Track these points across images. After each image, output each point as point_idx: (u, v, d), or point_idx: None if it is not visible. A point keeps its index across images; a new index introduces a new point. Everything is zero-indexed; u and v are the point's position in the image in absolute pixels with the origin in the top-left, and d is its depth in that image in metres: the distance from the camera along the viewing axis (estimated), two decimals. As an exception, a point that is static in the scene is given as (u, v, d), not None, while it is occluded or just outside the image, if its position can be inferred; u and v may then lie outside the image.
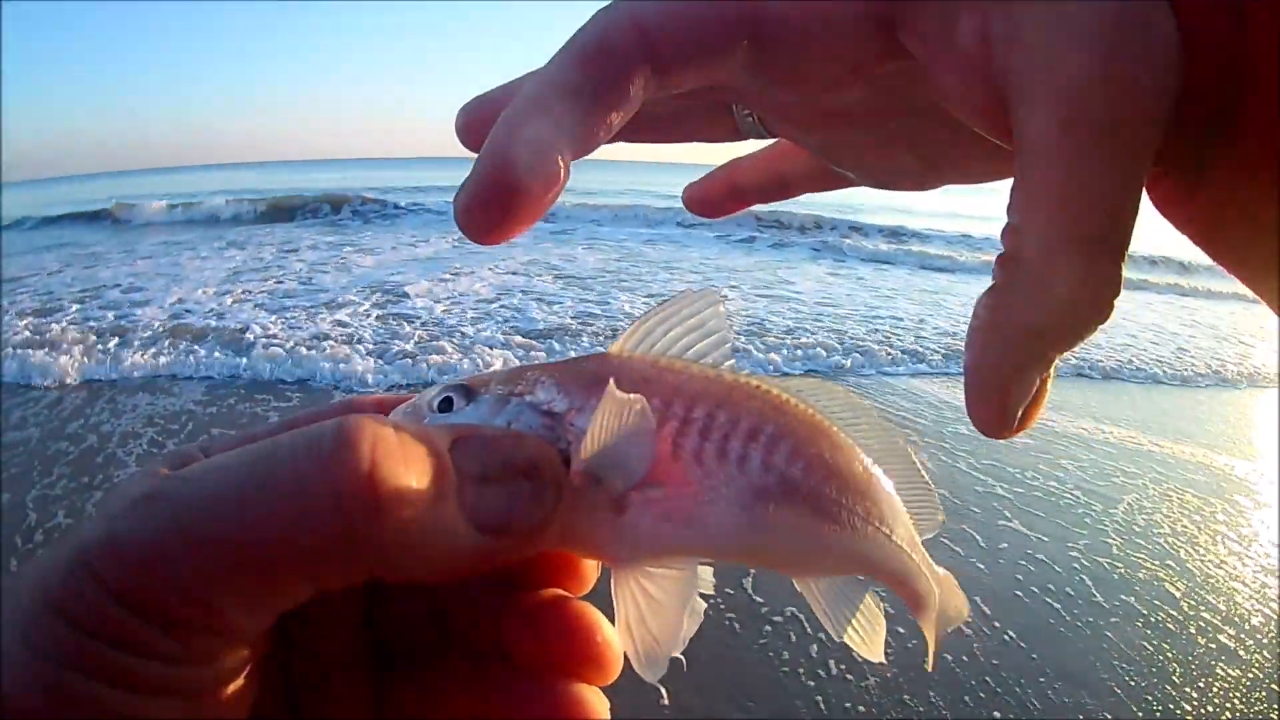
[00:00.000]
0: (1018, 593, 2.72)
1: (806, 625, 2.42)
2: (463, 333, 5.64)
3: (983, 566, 2.87)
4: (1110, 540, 3.15)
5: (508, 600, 0.32)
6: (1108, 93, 0.24)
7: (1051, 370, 0.28)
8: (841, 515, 0.33)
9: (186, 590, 0.22)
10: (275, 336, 5.38)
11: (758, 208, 0.51)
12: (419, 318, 6.08)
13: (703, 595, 0.33)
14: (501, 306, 6.45)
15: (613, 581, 0.31)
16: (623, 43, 0.28)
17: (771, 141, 0.45)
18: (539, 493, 0.28)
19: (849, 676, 2.25)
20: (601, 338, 5.54)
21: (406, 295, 6.80)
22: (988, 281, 0.28)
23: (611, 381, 0.29)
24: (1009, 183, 0.27)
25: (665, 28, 0.28)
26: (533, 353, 5.16)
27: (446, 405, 0.32)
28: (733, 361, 0.34)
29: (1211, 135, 0.28)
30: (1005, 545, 3.03)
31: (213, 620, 0.23)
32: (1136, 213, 0.26)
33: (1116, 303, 0.26)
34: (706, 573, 0.33)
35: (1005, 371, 0.27)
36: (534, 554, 0.29)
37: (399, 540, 0.24)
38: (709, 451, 0.31)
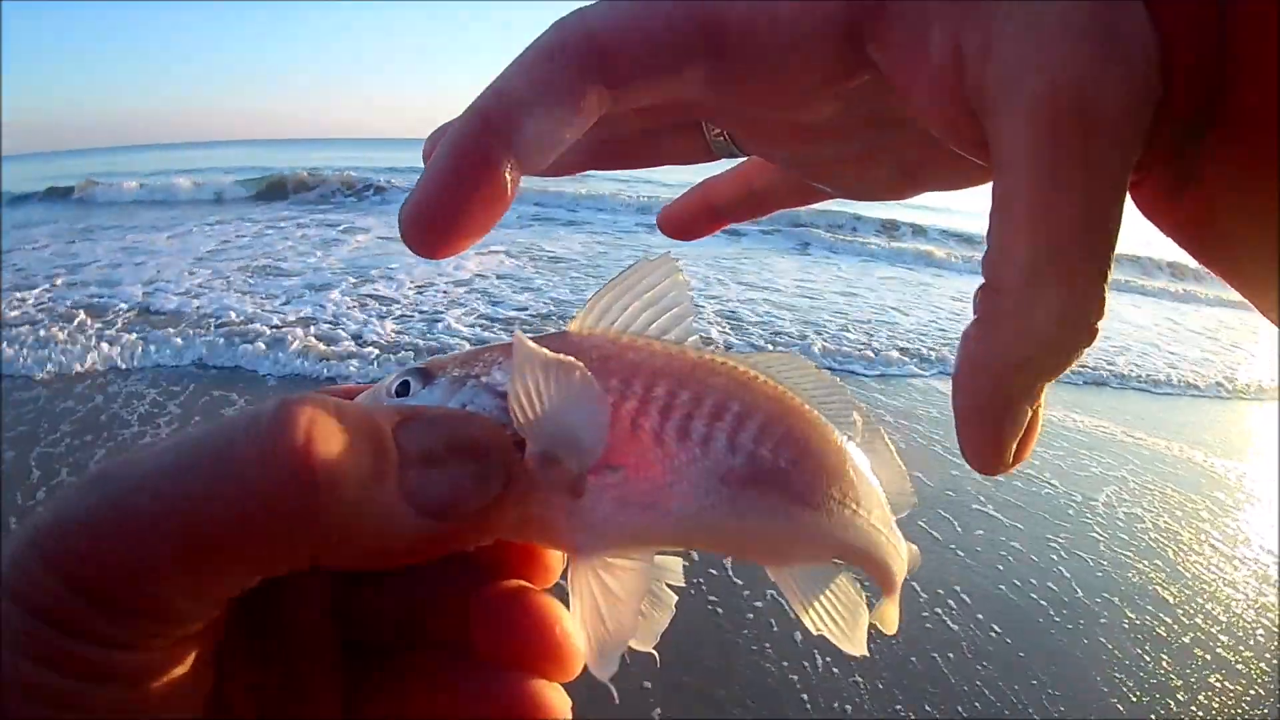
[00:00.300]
0: (1001, 586, 2.74)
1: (790, 611, 2.42)
2: (439, 319, 5.61)
3: (962, 554, 2.89)
4: (1096, 535, 3.18)
5: (472, 591, 0.31)
6: (1082, 106, 0.24)
7: (1042, 399, 0.28)
8: (815, 497, 0.32)
9: (125, 571, 0.22)
10: (252, 321, 5.30)
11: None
12: (397, 300, 6.05)
13: (673, 587, 0.32)
14: (473, 292, 6.44)
15: (569, 572, 0.30)
16: (576, 56, 0.27)
17: (745, 159, 0.45)
18: (484, 475, 0.27)
19: (835, 670, 2.25)
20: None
21: (386, 278, 6.76)
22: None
23: (518, 332, 0.28)
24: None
25: (620, 41, 0.27)
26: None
27: (404, 389, 0.31)
28: (696, 336, 0.32)
29: (1195, 134, 0.27)
30: (981, 532, 3.05)
31: (155, 604, 0.23)
32: (1118, 229, 0.25)
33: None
34: (676, 564, 0.32)
35: (995, 407, 0.27)
36: (490, 541, 0.29)
37: (335, 521, 0.24)
38: (670, 431, 0.30)
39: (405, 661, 0.31)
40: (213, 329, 5.08)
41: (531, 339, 0.31)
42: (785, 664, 2.24)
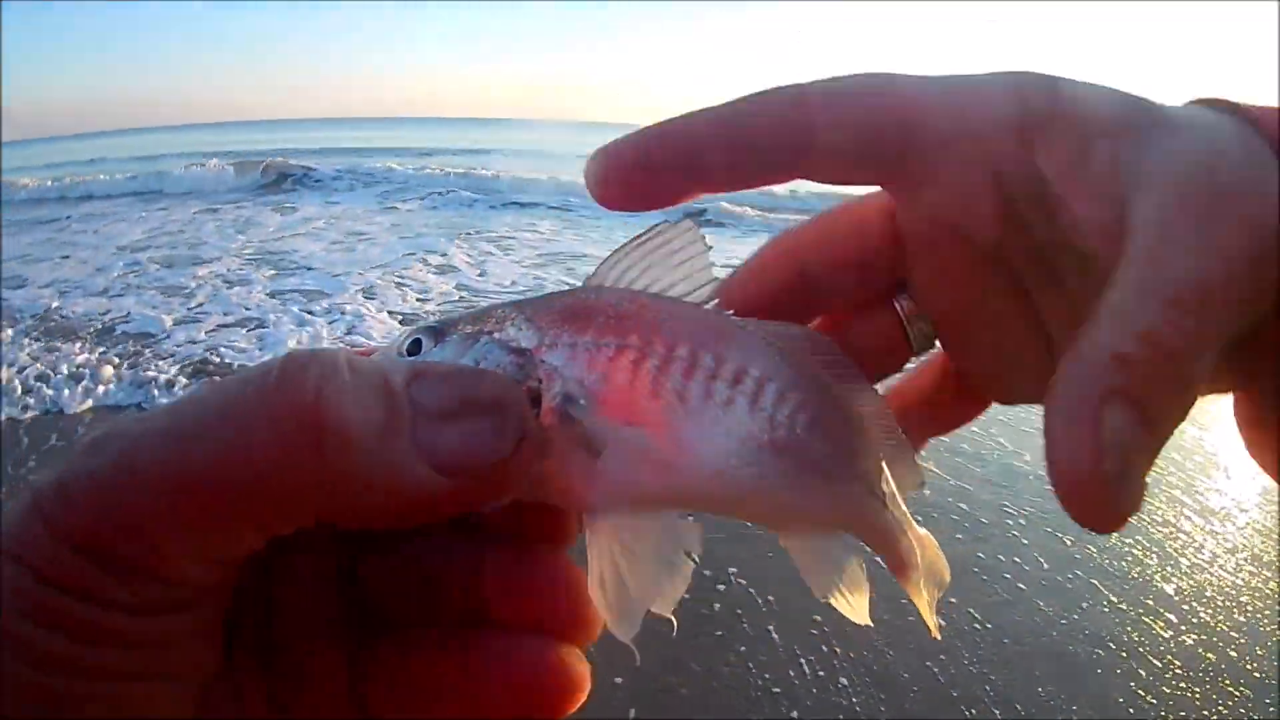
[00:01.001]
0: (975, 569, 2.61)
1: (758, 599, 2.39)
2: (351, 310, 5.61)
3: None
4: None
5: (487, 555, 0.31)
6: (1211, 185, 0.28)
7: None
8: (828, 467, 0.33)
9: (127, 527, 0.22)
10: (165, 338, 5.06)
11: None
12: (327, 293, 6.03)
13: (690, 555, 0.32)
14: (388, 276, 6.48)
15: (587, 533, 0.30)
16: (787, 113, 0.32)
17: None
18: (500, 430, 0.27)
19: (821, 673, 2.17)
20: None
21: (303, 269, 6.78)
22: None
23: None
24: None
25: (827, 113, 0.32)
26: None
27: (415, 348, 0.31)
28: (717, 300, 0.33)
29: None
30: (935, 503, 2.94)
31: (157, 562, 0.23)
32: (1236, 306, 0.27)
33: None
34: (696, 530, 0.32)
35: (1089, 404, 0.26)
36: (506, 500, 0.29)
37: (345, 477, 0.24)
38: (692, 393, 0.30)
39: (416, 627, 0.31)
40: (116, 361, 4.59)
41: (545, 295, 0.32)
42: (768, 676, 2.17)
